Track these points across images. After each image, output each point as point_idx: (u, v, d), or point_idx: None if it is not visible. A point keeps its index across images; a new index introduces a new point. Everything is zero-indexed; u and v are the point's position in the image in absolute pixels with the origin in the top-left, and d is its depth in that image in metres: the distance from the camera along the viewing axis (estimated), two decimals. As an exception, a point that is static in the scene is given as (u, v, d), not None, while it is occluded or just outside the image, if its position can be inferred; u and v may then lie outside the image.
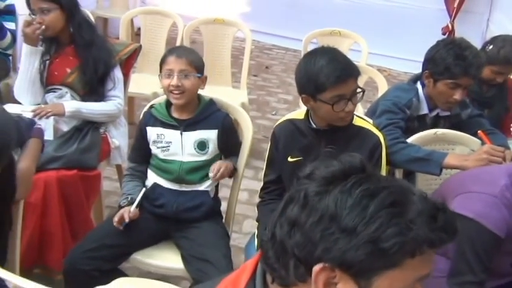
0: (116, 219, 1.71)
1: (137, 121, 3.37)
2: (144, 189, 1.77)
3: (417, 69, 2.08)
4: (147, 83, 3.13)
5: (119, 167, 2.51)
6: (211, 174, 1.78)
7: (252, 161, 3.08)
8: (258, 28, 5.51)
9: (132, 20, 3.70)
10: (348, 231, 0.67)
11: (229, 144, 1.87)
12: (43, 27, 2.02)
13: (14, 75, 3.04)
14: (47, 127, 2.04)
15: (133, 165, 1.91)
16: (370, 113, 2.03)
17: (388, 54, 5.39)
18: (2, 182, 1.39)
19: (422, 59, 1.95)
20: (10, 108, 2.11)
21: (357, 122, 1.64)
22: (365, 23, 5.10)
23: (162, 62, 1.80)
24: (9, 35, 2.93)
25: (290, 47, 5.81)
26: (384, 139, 1.65)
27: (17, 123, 1.53)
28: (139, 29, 3.49)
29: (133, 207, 1.73)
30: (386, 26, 5.32)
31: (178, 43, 3.22)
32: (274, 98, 4.43)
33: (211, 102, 1.88)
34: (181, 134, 1.81)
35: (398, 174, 1.83)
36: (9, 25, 3.00)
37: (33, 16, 2.06)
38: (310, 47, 3.25)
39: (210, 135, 1.82)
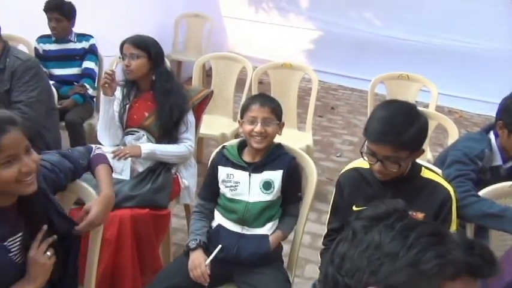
0: (196, 278, 1.76)
1: (205, 160, 3.56)
2: (220, 246, 1.82)
3: (491, 111, 2.02)
4: (216, 125, 3.27)
5: (186, 206, 2.61)
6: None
7: (315, 204, 3.07)
8: (323, 68, 5.61)
9: (204, 63, 3.92)
10: (391, 255, 0.74)
11: (291, 186, 1.90)
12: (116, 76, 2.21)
13: (96, 116, 3.31)
14: (125, 167, 2.19)
15: (202, 203, 1.99)
16: (439, 163, 1.98)
17: (460, 95, 5.23)
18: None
19: (495, 101, 1.90)
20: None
21: (425, 173, 1.60)
22: (435, 63, 5.03)
23: (245, 109, 1.90)
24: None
25: (356, 88, 5.81)
26: (454, 192, 1.59)
27: (67, 155, 1.62)
28: (210, 68, 3.68)
29: (207, 261, 1.78)
30: (458, 67, 5.18)
31: (247, 86, 3.35)
32: (339, 140, 4.42)
33: (279, 145, 1.96)
34: (249, 175, 1.88)
35: (470, 229, 1.75)
36: (90, 64, 3.30)
37: (122, 59, 2.27)
38: (378, 90, 3.27)
39: (276, 175, 1.87)
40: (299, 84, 3.38)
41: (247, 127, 1.86)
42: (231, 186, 1.88)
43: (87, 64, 3.30)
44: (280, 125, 1.92)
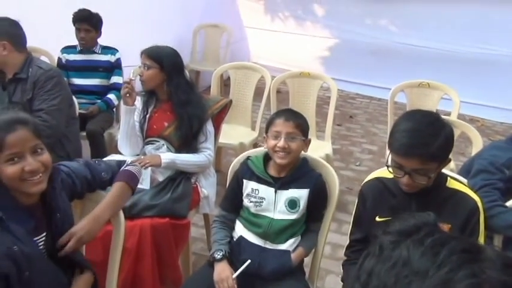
0: None
1: (224, 169, 3.56)
2: (249, 261, 1.77)
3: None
4: (234, 134, 3.27)
5: (206, 215, 2.60)
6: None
7: (335, 214, 3.01)
8: (341, 77, 5.57)
9: (222, 73, 3.93)
10: (421, 273, 0.69)
11: (317, 204, 1.87)
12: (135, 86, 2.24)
13: (116, 126, 3.35)
14: (145, 177, 2.19)
15: (224, 213, 1.95)
16: (464, 172, 1.93)
17: (482, 103, 5.14)
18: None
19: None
20: (112, 158, 2.32)
21: (451, 184, 1.56)
22: (457, 71, 4.96)
23: (270, 124, 1.86)
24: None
25: (375, 96, 5.77)
26: (481, 202, 1.55)
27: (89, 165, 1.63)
28: (228, 78, 3.69)
29: (235, 275, 1.76)
30: (480, 74, 5.10)
31: (265, 95, 3.35)
32: (358, 148, 4.37)
33: (305, 161, 1.90)
34: (275, 191, 1.84)
35: (498, 240, 1.70)
36: (118, 79, 3.36)
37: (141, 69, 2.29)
38: (397, 99, 3.22)
39: (302, 194, 1.83)
40: (317, 93, 3.37)
41: (271, 142, 1.81)
42: (256, 201, 1.85)
43: (116, 79, 3.38)
44: (306, 142, 1.87)
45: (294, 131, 1.81)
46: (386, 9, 5.69)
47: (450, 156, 1.50)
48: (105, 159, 2.24)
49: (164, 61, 2.26)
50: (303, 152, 1.90)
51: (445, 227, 1.52)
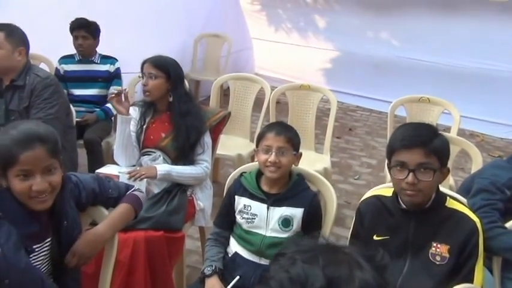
0: None
1: (221, 180, 3.53)
2: (238, 277, 1.72)
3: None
4: (232, 145, 3.24)
5: (201, 228, 2.56)
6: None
7: (332, 228, 2.99)
8: (341, 89, 5.58)
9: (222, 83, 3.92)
10: None
11: (311, 225, 1.82)
12: (124, 92, 2.21)
13: (113, 135, 3.32)
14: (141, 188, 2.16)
15: (218, 231, 1.92)
16: (464, 191, 1.91)
17: (483, 118, 5.12)
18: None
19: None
20: (108, 168, 2.29)
21: (450, 203, 1.54)
22: (458, 85, 4.97)
23: (261, 137, 1.83)
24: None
25: (374, 109, 5.76)
26: (481, 224, 1.52)
27: (100, 181, 1.63)
28: (227, 88, 3.68)
29: None
30: (481, 89, 5.10)
31: (264, 106, 3.34)
32: (357, 162, 4.35)
33: (301, 178, 1.87)
34: (268, 208, 1.80)
35: (496, 263, 1.67)
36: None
37: (140, 78, 2.28)
38: (398, 112, 3.21)
39: (296, 213, 1.79)
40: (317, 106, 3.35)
41: (262, 156, 1.78)
42: (248, 218, 1.82)
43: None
44: (298, 156, 1.83)
45: (284, 146, 1.77)
46: (387, 22, 5.70)
47: (449, 166, 1.52)
48: (99, 170, 2.23)
49: (171, 71, 2.25)
50: (297, 166, 1.87)
51: (444, 247, 1.50)
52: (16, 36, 2.38)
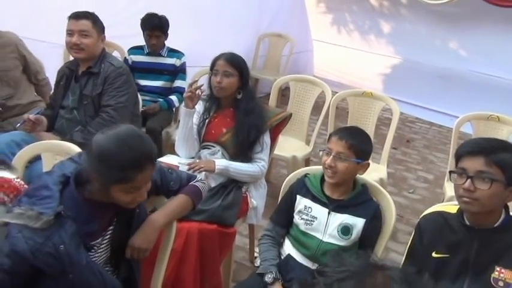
0: None
1: (273, 180, 3.53)
2: None
3: None
4: (288, 146, 3.24)
5: (251, 226, 2.59)
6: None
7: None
8: (401, 98, 5.40)
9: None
10: None
11: (371, 236, 1.79)
12: (198, 92, 2.26)
13: (173, 125, 3.42)
14: (198, 181, 2.21)
15: (275, 227, 1.91)
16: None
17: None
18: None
19: None
20: (169, 158, 2.36)
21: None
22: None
23: (328, 139, 1.84)
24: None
25: (435, 122, 5.56)
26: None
27: (165, 173, 1.66)
28: (285, 88, 3.67)
29: None
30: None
31: (324, 110, 3.30)
32: (413, 175, 4.21)
33: (365, 188, 1.84)
34: (329, 213, 1.79)
35: None
36: (182, 83, 3.44)
37: (213, 75, 2.29)
38: (462, 129, 3.07)
39: (357, 222, 1.76)
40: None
41: (323, 158, 1.78)
42: (307, 220, 1.81)
43: (179, 83, 3.46)
44: (363, 165, 1.79)
45: (345, 151, 1.74)
46: (456, 34, 5.47)
47: None
48: (160, 159, 2.30)
49: (243, 69, 2.30)
50: (358, 175, 1.83)
51: (509, 273, 1.42)
52: (99, 23, 2.49)
